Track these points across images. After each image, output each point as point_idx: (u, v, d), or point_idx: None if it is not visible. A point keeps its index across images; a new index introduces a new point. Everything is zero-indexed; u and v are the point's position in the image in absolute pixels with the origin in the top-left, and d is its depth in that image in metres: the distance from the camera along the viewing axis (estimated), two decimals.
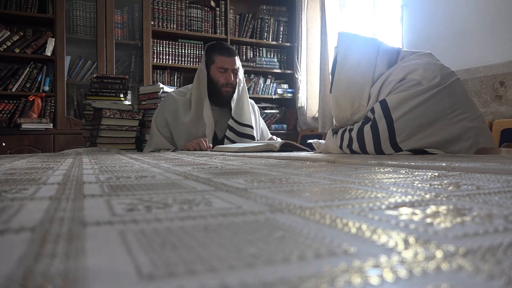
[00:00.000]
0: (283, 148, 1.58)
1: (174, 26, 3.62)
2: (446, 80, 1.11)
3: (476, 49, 2.34)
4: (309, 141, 1.44)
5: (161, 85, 2.19)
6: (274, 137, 2.15)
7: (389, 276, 0.16)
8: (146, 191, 0.40)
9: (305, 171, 0.61)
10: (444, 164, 0.64)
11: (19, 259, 0.18)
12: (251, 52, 4.04)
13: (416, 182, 0.45)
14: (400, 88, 1.12)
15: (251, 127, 1.96)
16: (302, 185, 0.44)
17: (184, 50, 3.67)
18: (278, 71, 4.07)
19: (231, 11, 3.90)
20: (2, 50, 3.05)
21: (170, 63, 3.61)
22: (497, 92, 2.24)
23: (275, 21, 4.09)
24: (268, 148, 1.54)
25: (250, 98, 2.09)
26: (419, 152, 1.08)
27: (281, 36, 4.10)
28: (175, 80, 3.69)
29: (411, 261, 0.18)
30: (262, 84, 4.03)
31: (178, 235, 0.22)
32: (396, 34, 3.01)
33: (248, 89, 3.81)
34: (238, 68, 1.94)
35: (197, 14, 3.73)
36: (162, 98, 2.07)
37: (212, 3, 3.77)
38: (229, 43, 3.67)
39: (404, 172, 0.58)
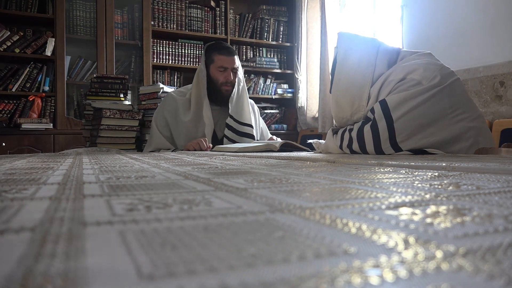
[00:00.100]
0: (283, 148, 1.58)
1: (174, 26, 3.62)
2: (446, 80, 1.11)
3: (476, 49, 2.34)
4: (309, 141, 1.44)
5: (161, 85, 2.19)
6: (274, 137, 2.15)
7: (389, 276, 0.16)
8: (146, 191, 0.40)
9: (305, 171, 0.61)
10: (444, 164, 0.64)
11: (19, 259, 0.18)
12: (251, 52, 4.04)
13: (416, 182, 0.45)
14: (400, 88, 1.12)
15: (251, 126, 1.96)
16: (302, 185, 0.44)
17: (184, 50, 3.67)
18: (278, 71, 4.07)
19: (231, 11, 3.90)
20: (2, 50, 3.05)
21: (170, 63, 3.61)
22: (497, 92, 2.24)
23: (275, 21, 4.09)
24: (268, 148, 1.54)
25: (250, 98, 2.09)
26: (419, 152, 1.08)
27: (281, 36, 4.10)
28: (175, 80, 3.69)
29: (411, 261, 0.18)
30: (262, 84, 4.03)
31: (178, 235, 0.22)
32: (396, 34, 3.01)
33: (248, 89, 3.81)
34: (238, 67, 1.94)
35: (197, 14, 3.73)
36: (162, 98, 2.07)
37: (212, 3, 3.77)
38: (229, 43, 3.67)
39: (404, 172, 0.58)
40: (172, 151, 1.83)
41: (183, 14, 3.67)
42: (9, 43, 3.08)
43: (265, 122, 2.43)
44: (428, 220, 0.26)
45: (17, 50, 3.09)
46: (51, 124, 3.09)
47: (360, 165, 0.73)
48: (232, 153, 1.37)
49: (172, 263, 0.18)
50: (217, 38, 3.69)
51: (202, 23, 3.76)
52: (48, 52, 3.15)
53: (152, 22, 3.49)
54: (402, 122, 1.07)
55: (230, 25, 3.87)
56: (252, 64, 3.95)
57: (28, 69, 3.14)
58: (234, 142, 1.90)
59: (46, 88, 3.17)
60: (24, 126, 2.95)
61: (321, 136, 3.45)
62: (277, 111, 4.12)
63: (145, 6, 3.43)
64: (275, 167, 0.71)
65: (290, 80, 4.16)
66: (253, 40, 3.95)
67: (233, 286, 0.15)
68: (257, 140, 2.03)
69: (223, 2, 3.83)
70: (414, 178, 0.49)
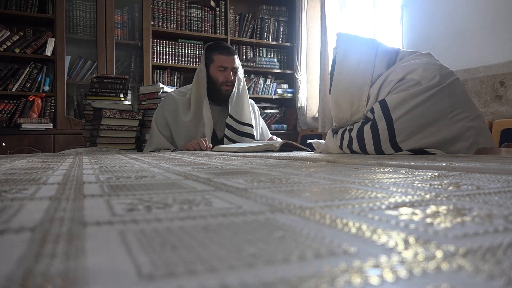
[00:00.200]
0: (283, 148, 1.58)
1: (174, 26, 3.62)
2: (445, 80, 1.11)
3: (476, 49, 2.34)
4: (309, 141, 1.44)
5: (161, 85, 2.19)
6: (274, 137, 2.15)
7: (389, 276, 0.16)
8: (146, 191, 0.40)
9: (305, 171, 0.61)
10: (444, 164, 0.64)
11: (19, 259, 0.18)
12: (251, 52, 4.04)
13: (416, 182, 0.45)
14: (400, 88, 1.12)
15: (251, 126, 1.95)
16: (302, 185, 0.44)
17: (184, 50, 3.68)
18: (278, 71, 4.07)
19: (231, 11, 3.90)
20: (2, 50, 3.05)
21: (170, 63, 3.61)
22: (497, 92, 2.24)
23: (275, 21, 4.09)
24: (268, 148, 1.54)
25: (250, 98, 2.09)
26: (419, 152, 1.08)
27: (281, 36, 4.10)
28: (175, 80, 3.69)
29: (411, 261, 0.18)
30: (262, 84, 4.03)
31: (178, 235, 0.22)
32: (396, 34, 3.01)
33: (248, 89, 3.81)
34: (238, 66, 1.94)
35: (197, 14, 3.73)
36: (162, 98, 2.07)
37: (212, 3, 3.77)
38: (229, 43, 3.67)
39: (404, 172, 0.58)
40: (172, 151, 1.83)
41: (183, 14, 3.67)
42: (9, 43, 3.08)
43: (265, 122, 2.43)
44: (428, 220, 0.26)
45: (17, 50, 3.09)
46: (51, 124, 3.09)
47: (360, 165, 0.73)
48: (232, 153, 1.37)
49: (172, 263, 0.18)
50: (217, 38, 3.69)
51: (202, 23, 3.76)
52: (48, 52, 3.15)
53: (152, 22, 3.49)
54: (402, 122, 1.07)
55: (230, 25, 3.87)
56: (252, 64, 3.95)
57: (28, 69, 3.14)
58: (234, 142, 1.89)
59: (46, 88, 3.18)
60: (24, 126, 2.95)
61: (321, 136, 3.45)
62: (277, 111, 4.12)
63: (145, 6, 3.43)
64: (275, 167, 0.71)
65: (290, 80, 4.16)
66: (253, 40, 3.95)
67: (233, 286, 0.15)
68: (257, 140, 2.03)
69: (223, 2, 3.83)
70: (414, 178, 0.49)
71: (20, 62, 3.18)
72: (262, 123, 2.22)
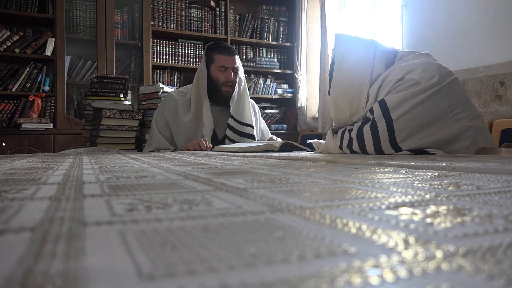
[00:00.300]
0: (283, 148, 1.58)
1: (174, 26, 3.62)
2: (444, 79, 1.11)
3: (476, 49, 2.34)
4: (309, 141, 1.44)
5: (161, 85, 2.19)
6: (274, 137, 2.15)
7: (389, 276, 0.16)
8: (146, 191, 0.40)
9: (305, 171, 0.61)
10: (444, 164, 0.64)
11: (19, 259, 0.18)
12: (251, 52, 4.04)
13: (416, 182, 0.45)
14: (399, 88, 1.12)
15: (252, 126, 1.95)
16: (302, 185, 0.44)
17: (184, 50, 3.68)
18: (278, 71, 4.07)
19: (231, 11, 3.90)
20: (2, 50, 3.05)
21: (170, 63, 3.61)
22: (497, 92, 2.24)
23: (275, 21, 4.09)
24: (268, 148, 1.54)
25: (250, 98, 2.09)
26: (419, 152, 1.08)
27: (281, 36, 4.10)
28: (175, 80, 3.69)
29: (411, 261, 0.18)
30: (262, 84, 4.03)
31: (178, 235, 0.22)
32: (396, 34, 3.01)
33: (248, 89, 3.81)
34: (238, 67, 1.94)
35: (197, 14, 3.73)
36: (162, 98, 2.07)
37: (212, 3, 3.77)
38: (229, 43, 3.67)
39: (404, 172, 0.58)
40: (172, 151, 1.83)
41: (183, 14, 3.67)
42: (9, 43, 3.08)
43: (265, 122, 2.43)
44: (428, 220, 0.26)
45: (17, 50, 3.09)
46: (51, 124, 3.09)
47: (360, 165, 0.73)
48: (232, 153, 1.37)
49: (172, 263, 0.18)
50: (217, 38, 3.70)
51: (202, 23, 3.76)
52: (48, 52, 3.15)
53: (152, 22, 3.50)
54: (401, 122, 1.08)
55: (230, 25, 3.87)
56: (252, 64, 3.95)
57: (28, 69, 3.14)
58: (234, 142, 1.89)
59: (46, 88, 3.18)
60: (24, 126, 2.95)
61: (321, 136, 3.45)
62: (277, 111, 4.12)
63: (145, 6, 3.43)
64: (275, 167, 0.71)
65: (290, 80, 4.16)
66: (253, 40, 3.95)
67: (233, 286, 0.15)
68: (258, 140, 2.03)
69: (223, 2, 3.83)
70: (414, 178, 0.49)
71: (20, 62, 3.18)
72: (262, 123, 2.22)
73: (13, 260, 0.18)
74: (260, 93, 4.00)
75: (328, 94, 1.30)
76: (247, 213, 0.28)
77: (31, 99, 3.10)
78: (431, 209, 0.29)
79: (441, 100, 1.08)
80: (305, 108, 3.94)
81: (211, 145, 1.79)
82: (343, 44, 1.27)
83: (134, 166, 0.76)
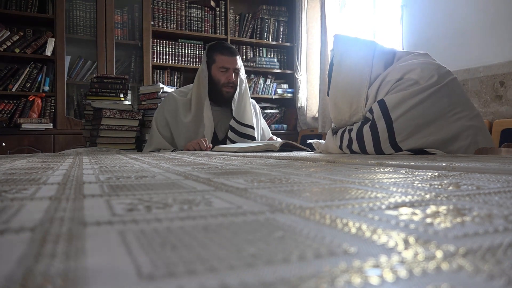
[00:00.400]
0: (283, 148, 1.58)
1: (174, 26, 3.62)
2: (443, 79, 1.11)
3: (476, 49, 2.34)
4: (309, 141, 1.44)
5: (161, 85, 2.19)
6: (274, 137, 2.15)
7: (389, 276, 0.16)
8: (146, 191, 0.40)
9: (305, 171, 0.61)
10: (444, 164, 0.64)
11: (19, 259, 0.18)
12: (251, 52, 4.04)
13: (416, 182, 0.45)
14: (398, 88, 1.12)
15: (252, 127, 1.95)
16: (302, 185, 0.44)
17: (184, 50, 3.68)
18: (278, 71, 4.08)
19: (231, 11, 3.90)
20: (2, 50, 3.05)
21: (170, 63, 3.61)
22: (497, 92, 2.24)
23: (275, 21, 4.09)
24: (268, 148, 1.54)
25: (251, 98, 2.08)
26: (419, 152, 1.08)
27: (281, 36, 4.10)
28: (175, 80, 3.69)
29: (411, 261, 0.18)
30: (262, 84, 4.03)
31: (178, 235, 0.22)
32: (396, 34, 3.01)
33: (248, 89, 3.81)
34: (240, 67, 1.93)
35: (197, 14, 3.73)
36: (163, 98, 2.07)
37: (212, 3, 3.77)
38: (229, 43, 3.67)
39: (404, 172, 0.58)
40: (172, 151, 1.83)
41: (183, 14, 3.67)
42: (9, 43, 3.08)
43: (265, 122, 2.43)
44: (428, 220, 0.26)
45: (17, 50, 3.09)
46: (51, 124, 3.09)
47: (360, 165, 0.73)
48: (232, 153, 1.37)
49: (172, 263, 0.18)
50: (217, 38, 3.70)
51: (202, 23, 3.76)
52: (48, 52, 3.15)
53: (152, 22, 3.50)
54: (401, 122, 1.08)
55: (230, 25, 3.87)
56: (252, 64, 3.95)
57: (28, 69, 3.14)
58: (235, 142, 1.89)
59: (46, 88, 3.18)
60: (24, 126, 2.95)
61: (321, 136, 3.45)
62: (277, 111, 4.12)
63: (145, 6, 3.43)
64: (275, 167, 0.71)
65: (290, 80, 4.16)
66: (253, 40, 3.95)
67: (233, 286, 0.15)
68: (258, 140, 2.03)
69: (223, 2, 3.83)
70: (414, 178, 0.49)
71: (20, 62, 3.18)
72: (263, 123, 2.21)
73: (13, 260, 0.18)
74: (260, 93, 4.00)
75: (328, 95, 1.30)
76: (247, 213, 0.28)
77: (31, 99, 3.10)
78: (431, 209, 0.29)
79: (440, 99, 1.08)
80: (305, 108, 3.94)
81: (211, 145, 1.79)
82: (342, 44, 1.27)
83: (134, 166, 0.76)
